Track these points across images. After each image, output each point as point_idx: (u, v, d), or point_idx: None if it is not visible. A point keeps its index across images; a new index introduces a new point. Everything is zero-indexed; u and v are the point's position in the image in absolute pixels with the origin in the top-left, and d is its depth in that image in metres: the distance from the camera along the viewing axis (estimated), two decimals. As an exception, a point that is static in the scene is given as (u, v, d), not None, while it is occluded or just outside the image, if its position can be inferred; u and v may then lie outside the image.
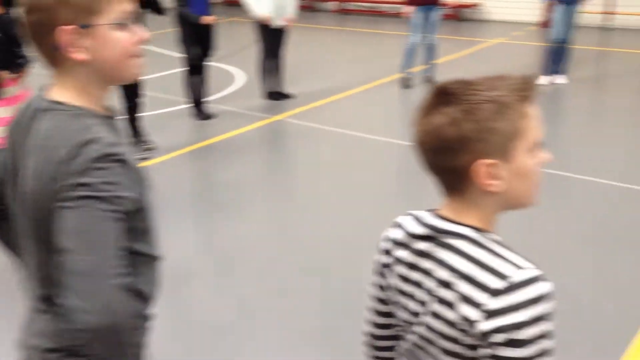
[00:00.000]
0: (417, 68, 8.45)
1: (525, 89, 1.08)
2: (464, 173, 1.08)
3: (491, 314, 1.03)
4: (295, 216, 4.64)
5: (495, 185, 1.09)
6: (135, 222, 1.32)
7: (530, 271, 1.04)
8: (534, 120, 1.09)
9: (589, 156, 5.71)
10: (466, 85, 1.08)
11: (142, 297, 1.40)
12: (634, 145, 6.07)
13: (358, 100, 7.69)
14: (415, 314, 1.16)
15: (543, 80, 8.05)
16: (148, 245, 1.41)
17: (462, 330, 1.07)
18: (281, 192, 5.11)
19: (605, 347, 3.07)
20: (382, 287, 1.28)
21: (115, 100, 5.81)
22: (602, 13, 11.99)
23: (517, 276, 1.03)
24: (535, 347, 1.01)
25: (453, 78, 1.12)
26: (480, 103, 1.05)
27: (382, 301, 1.29)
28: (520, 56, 9.93)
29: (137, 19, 1.36)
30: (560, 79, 8.08)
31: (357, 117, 7.03)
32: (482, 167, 1.07)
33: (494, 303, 1.03)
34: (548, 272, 3.66)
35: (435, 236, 1.14)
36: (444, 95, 1.08)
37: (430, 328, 1.12)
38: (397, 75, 8.36)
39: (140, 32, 1.34)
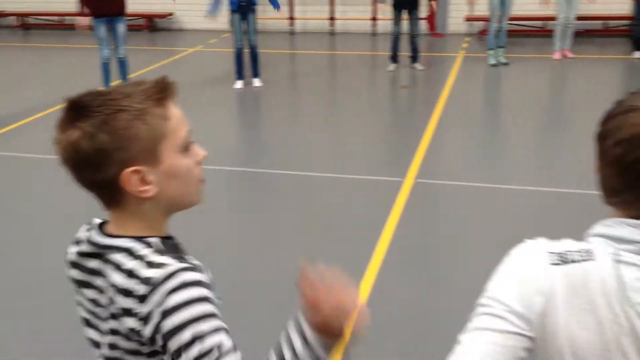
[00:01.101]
0: (116, 82, 8.21)
1: (160, 91, 1.09)
2: (114, 185, 1.07)
3: (145, 318, 1.04)
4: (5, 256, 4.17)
5: (147, 190, 1.09)
6: None
7: (170, 267, 1.05)
8: (177, 120, 1.11)
9: (291, 152, 6.16)
10: (99, 96, 1.06)
11: None
12: (329, 136, 6.70)
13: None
14: (102, 333, 1.14)
15: (238, 84, 8.46)
16: None
17: (137, 341, 1.07)
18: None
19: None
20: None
21: None
22: (287, 19, 13.00)
23: (157, 276, 1.04)
24: (191, 330, 1.02)
25: (86, 90, 1.10)
26: (115, 113, 1.04)
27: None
28: (217, 62, 10.28)
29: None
30: (255, 82, 8.55)
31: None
32: (129, 176, 1.06)
33: (144, 308, 1.04)
34: (269, 262, 3.91)
35: (100, 253, 1.12)
36: (77, 109, 1.06)
37: (113, 346, 1.11)
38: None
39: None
